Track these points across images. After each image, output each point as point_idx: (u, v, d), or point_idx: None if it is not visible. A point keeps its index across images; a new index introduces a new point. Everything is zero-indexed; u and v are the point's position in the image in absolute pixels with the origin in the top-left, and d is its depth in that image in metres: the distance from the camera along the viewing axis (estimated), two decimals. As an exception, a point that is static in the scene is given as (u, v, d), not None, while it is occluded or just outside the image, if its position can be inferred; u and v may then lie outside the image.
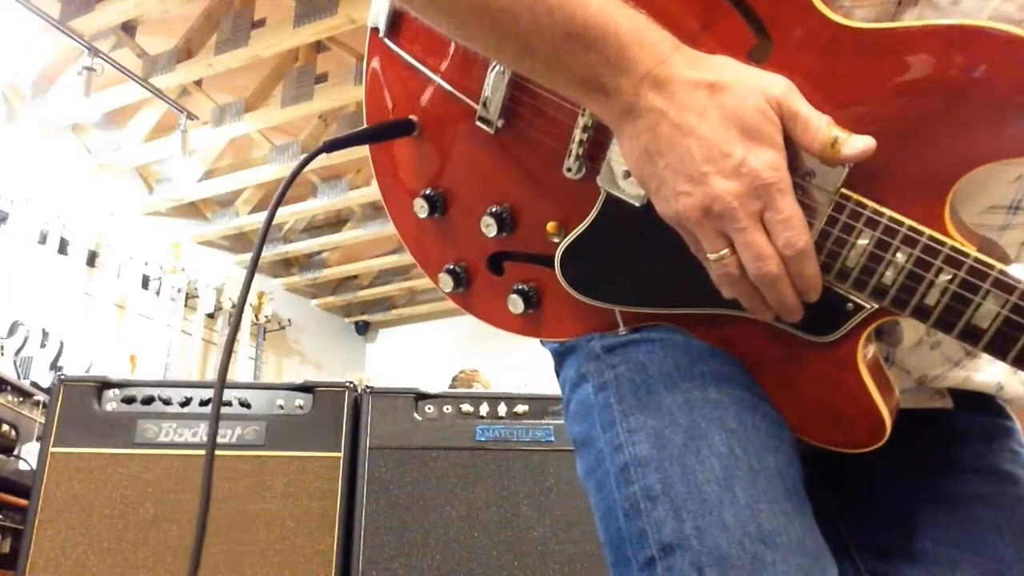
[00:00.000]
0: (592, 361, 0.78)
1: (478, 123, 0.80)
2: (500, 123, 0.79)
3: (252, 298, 5.21)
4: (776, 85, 0.61)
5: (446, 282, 0.86)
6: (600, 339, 0.79)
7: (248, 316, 5.14)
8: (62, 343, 3.79)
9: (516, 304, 0.82)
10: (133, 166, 4.79)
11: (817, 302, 0.65)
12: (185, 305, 4.72)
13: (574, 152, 0.74)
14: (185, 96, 4.35)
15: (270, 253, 5.50)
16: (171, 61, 4.02)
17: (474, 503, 2.00)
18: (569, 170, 0.75)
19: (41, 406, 2.65)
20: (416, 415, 2.08)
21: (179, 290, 4.67)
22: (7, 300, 3.71)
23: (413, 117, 0.85)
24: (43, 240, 4.09)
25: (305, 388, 2.10)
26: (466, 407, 2.09)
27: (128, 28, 4.06)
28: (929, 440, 0.81)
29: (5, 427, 2.48)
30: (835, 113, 0.61)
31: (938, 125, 0.60)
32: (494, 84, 0.78)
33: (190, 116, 4.26)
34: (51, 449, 1.96)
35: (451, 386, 4.06)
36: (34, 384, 2.99)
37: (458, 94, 0.81)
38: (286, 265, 5.94)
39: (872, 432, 0.68)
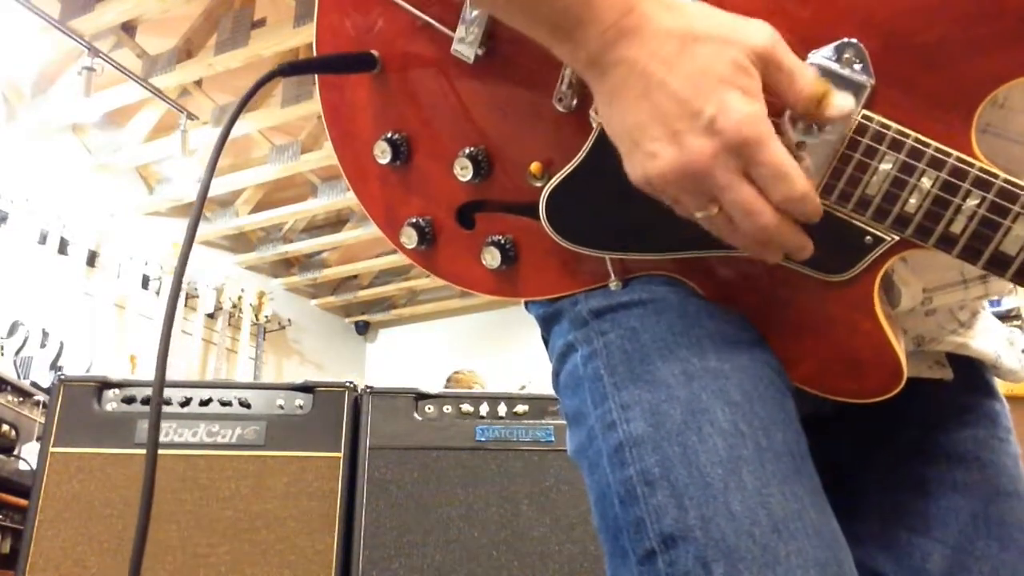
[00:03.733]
0: (580, 328, 0.72)
1: (454, 52, 0.73)
2: (480, 51, 0.72)
3: (252, 298, 5.21)
4: (758, 35, 0.57)
5: (409, 237, 0.78)
6: (586, 301, 0.72)
7: (248, 316, 5.14)
8: (62, 343, 3.79)
9: (492, 257, 0.74)
10: (133, 166, 4.79)
11: (832, 237, 0.61)
12: (185, 305, 4.72)
13: (567, 77, 0.68)
14: (185, 96, 4.35)
15: (270, 253, 5.50)
16: (171, 61, 4.02)
17: (474, 503, 2.00)
18: (560, 99, 0.68)
19: (41, 406, 2.65)
20: (416, 415, 2.08)
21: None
22: (7, 300, 3.71)
23: (375, 52, 0.77)
24: (43, 240, 4.09)
25: (305, 388, 2.10)
26: (466, 407, 2.09)
27: (128, 28, 4.06)
28: (919, 420, 0.79)
29: (5, 427, 2.48)
30: (857, 31, 0.59)
31: (962, 39, 0.57)
32: (469, 8, 0.72)
33: (190, 116, 4.26)
34: (51, 449, 1.96)
35: (445, 387, 4.06)
36: (34, 384, 2.99)
37: (432, 21, 0.74)
38: (286, 265, 5.94)
39: (889, 378, 0.64)
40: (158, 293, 4.64)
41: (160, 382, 0.80)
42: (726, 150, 0.56)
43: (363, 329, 6.57)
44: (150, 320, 4.53)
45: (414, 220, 0.78)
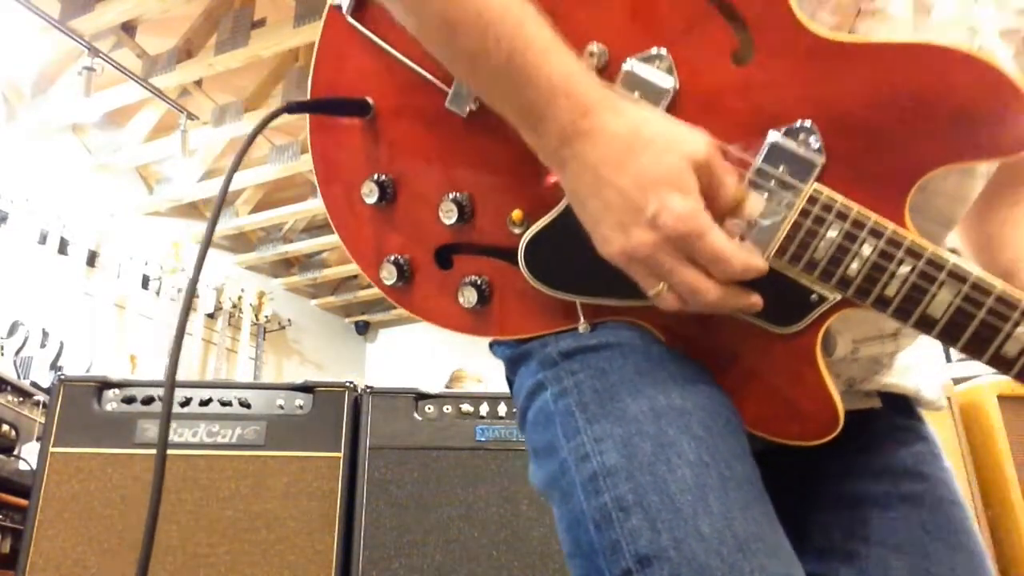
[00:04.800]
0: (550, 368, 0.76)
1: (448, 106, 0.77)
2: (474, 106, 0.76)
3: (252, 298, 5.21)
4: (696, 144, 0.64)
5: (389, 274, 0.81)
6: (556, 343, 0.77)
7: (248, 316, 5.14)
8: (62, 343, 3.79)
9: (469, 297, 0.78)
10: (133, 166, 4.79)
11: (783, 293, 0.68)
12: (185, 305, 4.72)
13: None
14: (185, 96, 4.35)
15: (270, 253, 5.51)
16: (171, 61, 4.02)
17: (474, 503, 2.00)
18: None
19: (41, 406, 2.65)
20: (416, 415, 2.09)
21: (179, 290, 4.67)
22: (7, 300, 3.71)
23: (369, 99, 0.82)
24: (43, 240, 4.09)
25: (305, 388, 2.10)
26: (466, 407, 2.09)
27: (128, 28, 4.06)
28: (859, 445, 0.84)
29: (5, 427, 2.48)
30: (812, 115, 0.66)
31: (902, 130, 0.65)
32: None
33: (190, 116, 4.26)
34: (51, 449, 1.96)
35: (447, 385, 4.05)
36: (34, 384, 2.99)
37: (429, 76, 0.78)
38: (286, 265, 5.94)
39: (828, 423, 0.70)
40: (158, 293, 4.64)
41: (169, 400, 0.83)
42: (666, 241, 0.63)
43: (363, 329, 6.57)
44: (150, 320, 4.53)
45: (393, 258, 0.82)
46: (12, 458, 2.49)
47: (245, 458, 2.01)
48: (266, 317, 5.27)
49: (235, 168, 0.84)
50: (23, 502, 2.31)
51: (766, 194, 0.66)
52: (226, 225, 5.17)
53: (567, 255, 0.73)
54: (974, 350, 0.65)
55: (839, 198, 0.65)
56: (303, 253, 5.72)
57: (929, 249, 0.64)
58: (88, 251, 4.35)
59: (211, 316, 4.95)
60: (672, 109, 0.69)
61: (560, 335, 0.77)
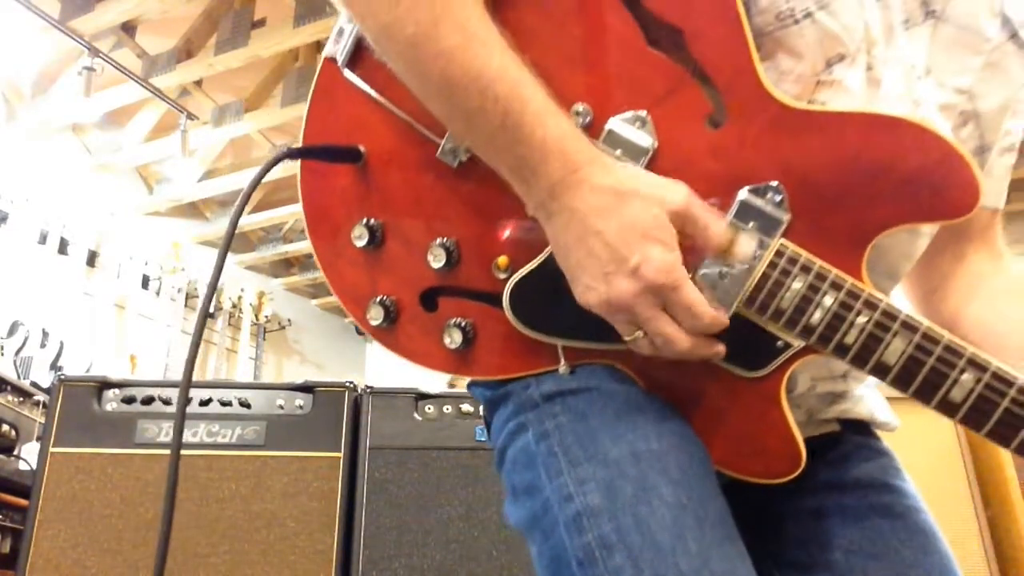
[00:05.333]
0: (531, 410, 0.79)
1: (440, 157, 0.81)
2: (464, 158, 0.80)
3: (252, 298, 5.21)
4: (676, 195, 0.69)
5: (375, 315, 0.84)
6: (538, 386, 0.80)
7: (248, 316, 5.14)
8: (62, 343, 3.79)
9: (454, 338, 0.81)
10: (133, 166, 4.79)
11: (752, 340, 0.73)
12: (185, 305, 4.72)
13: None
14: (185, 96, 4.35)
15: (270, 253, 5.51)
16: (171, 61, 4.02)
17: (474, 503, 2.00)
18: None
19: (41, 406, 2.65)
20: (416, 415, 2.09)
21: (179, 290, 4.67)
22: (7, 300, 3.71)
23: (361, 147, 0.85)
24: (43, 240, 4.09)
25: (305, 388, 2.10)
26: (466, 407, 2.10)
27: (128, 28, 4.06)
28: (825, 463, 0.89)
29: (5, 427, 2.48)
30: (779, 176, 0.72)
31: (861, 192, 0.71)
32: None
33: (190, 116, 4.26)
34: (51, 449, 1.96)
35: (448, 385, 4.06)
36: (34, 384, 2.99)
37: (422, 129, 0.82)
38: (286, 265, 5.95)
39: (791, 462, 0.75)
40: (158, 293, 4.65)
41: (182, 413, 0.84)
42: (646, 291, 0.68)
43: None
44: (150, 320, 4.53)
45: (380, 299, 0.85)
46: (12, 458, 2.49)
47: (245, 458, 2.01)
48: (266, 317, 5.27)
49: (240, 212, 0.87)
50: (23, 502, 2.31)
51: (740, 247, 0.72)
52: (226, 225, 5.16)
53: (550, 300, 0.76)
54: (924, 395, 0.70)
55: (803, 253, 0.71)
56: (303, 253, 5.72)
57: (884, 301, 0.70)
58: (88, 251, 4.35)
59: (211, 316, 4.96)
60: (651, 167, 0.74)
61: (541, 378, 0.80)
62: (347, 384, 2.11)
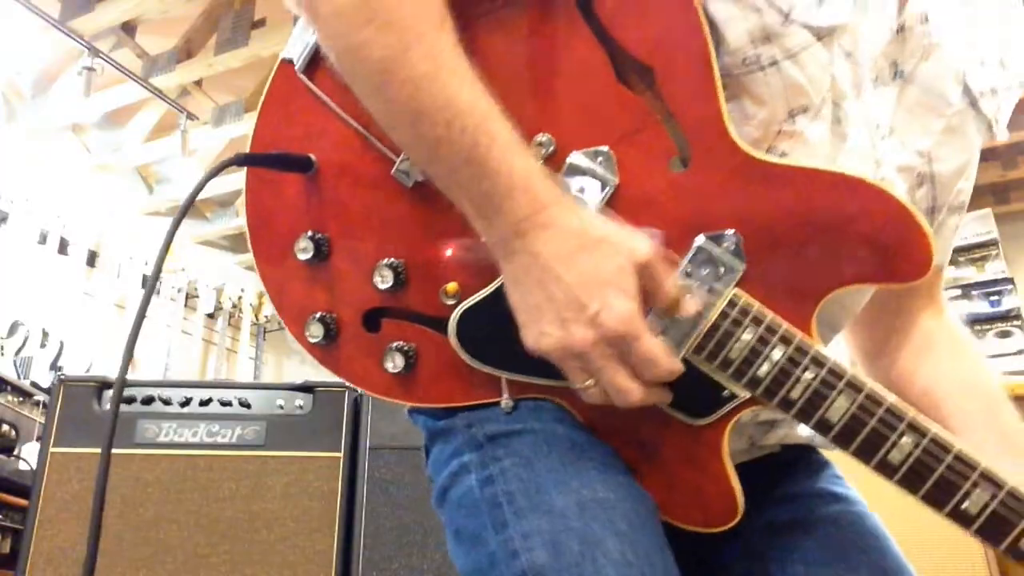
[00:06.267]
0: (474, 451, 0.78)
1: (395, 174, 0.79)
2: (420, 177, 0.78)
3: (252, 298, 5.21)
4: (641, 248, 0.69)
5: (314, 331, 0.82)
6: (482, 426, 0.78)
7: (248, 316, 5.14)
8: (62, 343, 3.79)
9: (395, 362, 0.79)
10: (133, 166, 4.79)
11: (698, 388, 0.73)
12: (185, 305, 4.72)
13: None
14: (185, 96, 4.35)
15: (270, 253, 5.50)
16: (171, 61, 4.02)
17: (474, 503, 2.00)
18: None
19: (41, 406, 2.65)
20: (416, 415, 2.08)
21: (179, 290, 4.67)
22: (7, 300, 3.71)
23: (312, 156, 0.82)
24: (43, 240, 4.09)
25: (305, 388, 2.10)
26: (466, 407, 2.09)
27: (128, 28, 4.06)
28: (772, 481, 0.90)
29: (5, 427, 2.48)
30: (737, 225, 0.72)
31: (817, 249, 0.71)
32: None
33: (190, 116, 4.26)
34: (51, 449, 1.96)
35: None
36: (34, 384, 2.99)
37: (378, 144, 0.79)
38: (286, 265, 5.94)
39: (728, 512, 0.75)
40: (158, 293, 4.64)
41: (118, 396, 0.84)
42: (604, 340, 0.67)
43: (363, 329, 6.56)
44: (150, 320, 4.53)
45: (320, 315, 0.82)
46: (12, 458, 2.49)
47: (245, 458, 2.01)
48: (266, 317, 5.26)
49: (182, 215, 0.83)
50: (23, 502, 2.31)
51: (689, 295, 0.72)
52: (226, 225, 5.17)
53: (497, 332, 0.74)
54: (863, 455, 0.70)
55: (755, 304, 0.71)
56: (303, 253, 5.71)
57: (831, 359, 0.70)
58: (88, 251, 4.35)
59: (211, 316, 4.96)
60: (611, 203, 0.73)
61: (484, 418, 0.79)
62: (347, 384, 2.11)
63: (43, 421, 2.33)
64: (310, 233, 0.81)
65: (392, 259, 0.79)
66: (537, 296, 0.69)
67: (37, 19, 3.68)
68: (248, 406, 2.06)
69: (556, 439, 0.76)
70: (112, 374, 2.12)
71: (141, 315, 0.82)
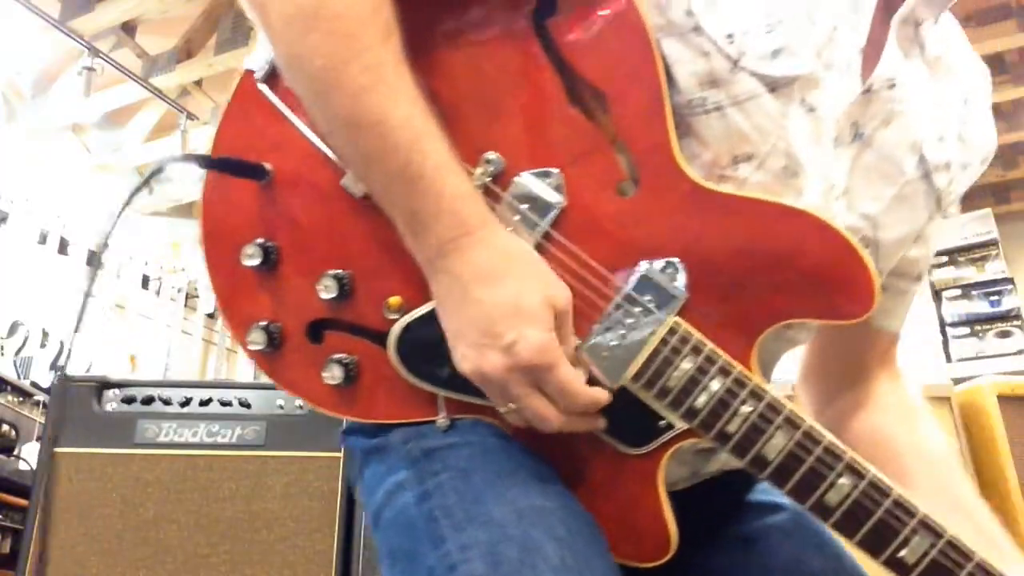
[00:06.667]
0: (410, 468, 0.76)
1: (343, 185, 0.78)
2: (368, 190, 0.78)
3: (252, 298, 5.21)
4: (561, 291, 0.70)
5: (258, 339, 0.81)
6: (417, 441, 0.77)
7: (248, 316, 5.14)
8: (62, 343, 3.79)
9: (335, 374, 0.78)
10: (133, 166, 4.79)
11: (635, 416, 0.72)
12: (185, 305, 4.73)
13: None
14: (185, 96, 4.35)
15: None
16: (171, 61, 4.02)
17: (474, 503, 2.00)
18: None
19: (41, 406, 2.65)
20: (416, 415, 2.08)
21: (179, 290, 4.67)
22: (7, 300, 3.71)
23: (267, 165, 0.82)
24: (43, 240, 4.09)
25: (305, 388, 2.10)
26: (466, 407, 2.09)
27: (128, 28, 4.06)
28: (710, 498, 0.89)
29: (5, 427, 2.48)
30: (681, 254, 0.72)
31: (760, 282, 0.71)
32: None
33: (190, 116, 4.26)
34: (51, 449, 1.96)
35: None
36: (34, 384, 3.00)
37: (329, 154, 0.79)
38: (286, 265, 5.94)
39: (660, 547, 0.73)
40: (158, 293, 4.64)
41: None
42: (519, 369, 0.67)
43: (363, 329, 6.57)
44: (150, 320, 4.53)
45: (264, 323, 0.81)
46: (12, 458, 2.49)
47: (245, 458, 2.01)
48: (266, 317, 5.26)
49: (125, 206, 0.84)
50: (23, 502, 2.31)
51: (631, 321, 0.71)
52: (226, 225, 5.17)
53: (435, 349, 0.74)
54: (800, 495, 0.69)
55: (696, 333, 0.70)
56: (303, 253, 5.72)
57: (770, 394, 0.69)
58: (88, 251, 4.35)
59: (211, 316, 4.96)
60: (557, 225, 0.73)
61: (421, 433, 0.78)
62: (347, 384, 2.11)
63: (43, 421, 2.33)
64: (260, 240, 0.81)
65: (337, 270, 0.78)
66: (458, 318, 0.70)
67: (37, 19, 3.69)
68: (248, 406, 2.06)
69: (493, 451, 0.75)
70: (112, 374, 2.12)
71: (88, 293, 0.83)
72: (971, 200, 3.90)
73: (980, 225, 3.70)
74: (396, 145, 0.69)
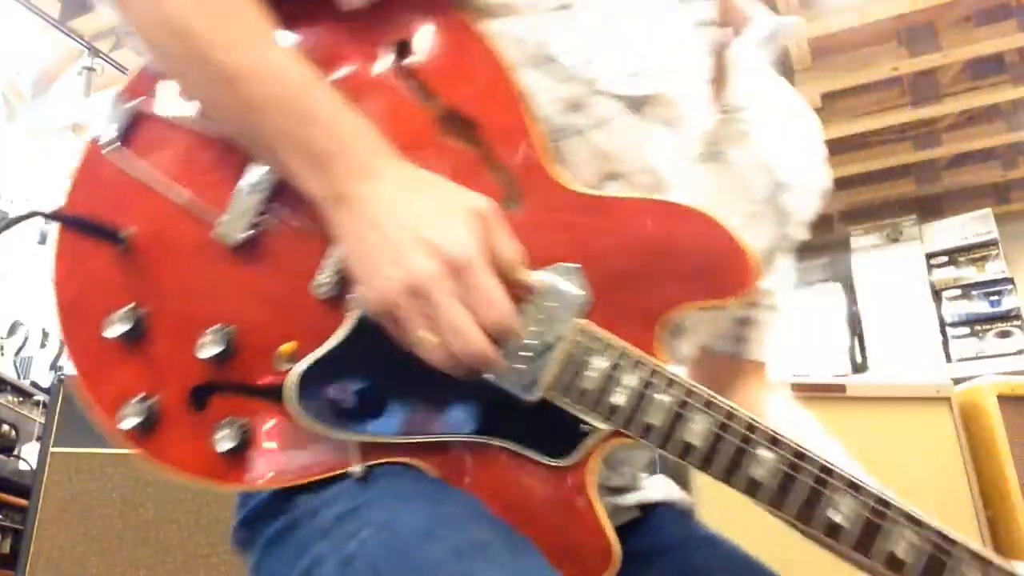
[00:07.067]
0: (324, 538, 0.69)
1: (215, 235, 0.75)
2: (243, 236, 0.75)
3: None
4: (480, 199, 0.69)
5: (132, 417, 0.74)
6: (328, 508, 0.71)
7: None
8: (62, 343, 3.79)
9: (226, 441, 0.73)
10: (133, 166, 4.79)
11: (556, 425, 0.72)
12: (185, 305, 4.73)
13: (329, 268, 0.73)
14: (185, 96, 4.35)
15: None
16: (171, 61, 4.02)
17: (474, 503, 2.00)
18: (320, 286, 0.73)
19: (41, 406, 2.65)
20: (416, 415, 2.09)
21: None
22: (7, 300, 3.71)
23: (125, 226, 0.77)
24: (43, 240, 4.09)
25: (305, 388, 2.10)
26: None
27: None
28: (650, 533, 0.91)
29: (5, 427, 2.48)
30: (577, 258, 0.74)
31: (650, 274, 0.74)
32: (245, 194, 0.75)
33: (190, 116, 4.25)
34: (51, 449, 1.96)
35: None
36: (34, 384, 2.99)
37: (195, 207, 0.76)
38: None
39: (603, 558, 0.72)
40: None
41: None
42: (445, 269, 0.66)
43: (363, 329, 6.56)
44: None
45: (139, 398, 0.75)
46: (12, 458, 2.50)
47: (245, 458, 2.01)
48: (266, 317, 5.26)
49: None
50: (23, 502, 2.31)
51: (539, 329, 0.72)
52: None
53: (342, 388, 0.72)
54: (728, 475, 0.69)
55: (603, 332, 0.71)
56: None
57: (687, 381, 0.71)
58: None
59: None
60: None
61: (332, 497, 0.72)
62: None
63: (43, 421, 2.33)
64: (125, 308, 0.76)
65: (217, 327, 0.74)
66: (374, 238, 0.67)
67: (37, 19, 3.69)
68: (248, 406, 2.06)
69: (415, 498, 0.70)
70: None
71: None
72: (971, 200, 3.90)
73: (980, 225, 3.70)
74: (289, 88, 0.70)
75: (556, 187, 0.75)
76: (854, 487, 0.69)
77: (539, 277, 0.72)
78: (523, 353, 0.71)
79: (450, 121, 0.77)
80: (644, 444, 0.71)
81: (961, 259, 3.64)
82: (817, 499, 0.69)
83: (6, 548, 2.40)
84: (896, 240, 3.81)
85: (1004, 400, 2.30)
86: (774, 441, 0.69)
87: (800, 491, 0.69)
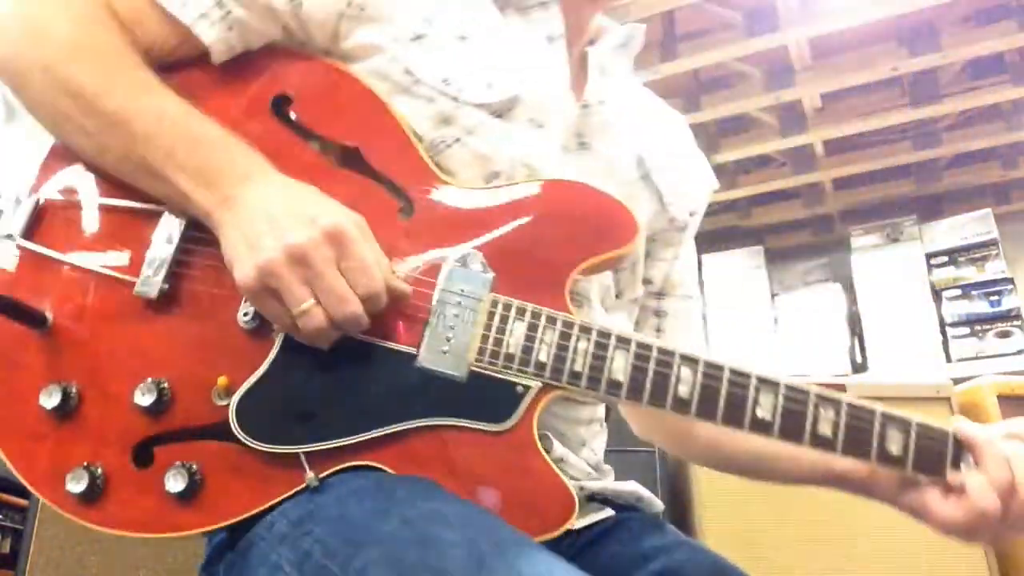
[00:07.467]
0: (281, 544, 0.72)
1: (137, 292, 0.79)
2: (165, 286, 0.79)
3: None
4: (352, 215, 0.77)
5: (74, 488, 0.75)
6: (282, 517, 0.74)
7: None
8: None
9: (177, 486, 0.74)
10: (133, 166, 4.78)
11: (492, 392, 0.78)
12: (185, 305, 4.71)
13: None
14: (185, 96, 4.34)
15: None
16: (171, 61, 4.02)
17: (474, 503, 1.99)
18: (247, 314, 0.78)
19: (41, 406, 2.64)
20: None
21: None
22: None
23: (46, 312, 0.80)
24: None
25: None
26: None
27: (128, 28, 4.06)
28: (621, 541, 0.93)
29: (5, 427, 2.47)
30: (477, 244, 0.82)
31: (546, 242, 0.83)
32: (158, 247, 0.80)
33: (190, 116, 4.25)
34: (51, 449, 1.96)
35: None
36: (34, 384, 2.99)
37: (111, 273, 0.81)
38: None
39: (564, 507, 0.76)
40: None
41: None
42: (323, 237, 0.72)
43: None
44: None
45: (79, 470, 0.76)
46: (12, 458, 2.49)
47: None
48: (266, 317, 5.25)
49: None
50: (23, 502, 2.31)
51: (456, 311, 0.79)
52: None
53: (283, 406, 0.76)
54: (657, 400, 0.76)
55: (514, 301, 0.80)
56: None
57: (597, 324, 0.79)
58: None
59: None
60: None
61: (287, 508, 0.75)
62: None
63: (43, 421, 2.32)
64: (53, 386, 0.77)
65: (150, 380, 0.77)
66: (257, 222, 0.74)
67: (37, 19, 3.67)
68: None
69: (366, 489, 0.73)
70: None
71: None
72: (971, 200, 3.90)
73: (980, 225, 3.70)
74: (174, 118, 0.80)
75: (443, 185, 0.85)
76: (766, 382, 0.76)
77: (447, 263, 0.81)
78: (448, 336, 0.78)
79: (336, 152, 0.86)
80: (575, 391, 0.78)
81: (961, 259, 3.64)
82: (741, 402, 0.76)
83: (6, 548, 2.40)
84: (896, 240, 3.81)
85: (1004, 400, 2.30)
86: (689, 360, 0.77)
87: (724, 398, 0.76)
